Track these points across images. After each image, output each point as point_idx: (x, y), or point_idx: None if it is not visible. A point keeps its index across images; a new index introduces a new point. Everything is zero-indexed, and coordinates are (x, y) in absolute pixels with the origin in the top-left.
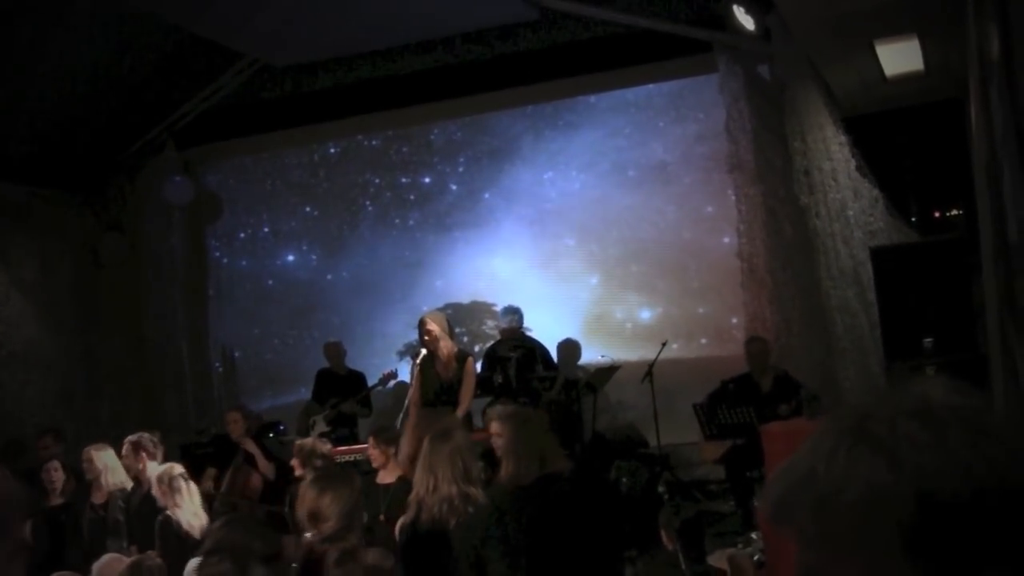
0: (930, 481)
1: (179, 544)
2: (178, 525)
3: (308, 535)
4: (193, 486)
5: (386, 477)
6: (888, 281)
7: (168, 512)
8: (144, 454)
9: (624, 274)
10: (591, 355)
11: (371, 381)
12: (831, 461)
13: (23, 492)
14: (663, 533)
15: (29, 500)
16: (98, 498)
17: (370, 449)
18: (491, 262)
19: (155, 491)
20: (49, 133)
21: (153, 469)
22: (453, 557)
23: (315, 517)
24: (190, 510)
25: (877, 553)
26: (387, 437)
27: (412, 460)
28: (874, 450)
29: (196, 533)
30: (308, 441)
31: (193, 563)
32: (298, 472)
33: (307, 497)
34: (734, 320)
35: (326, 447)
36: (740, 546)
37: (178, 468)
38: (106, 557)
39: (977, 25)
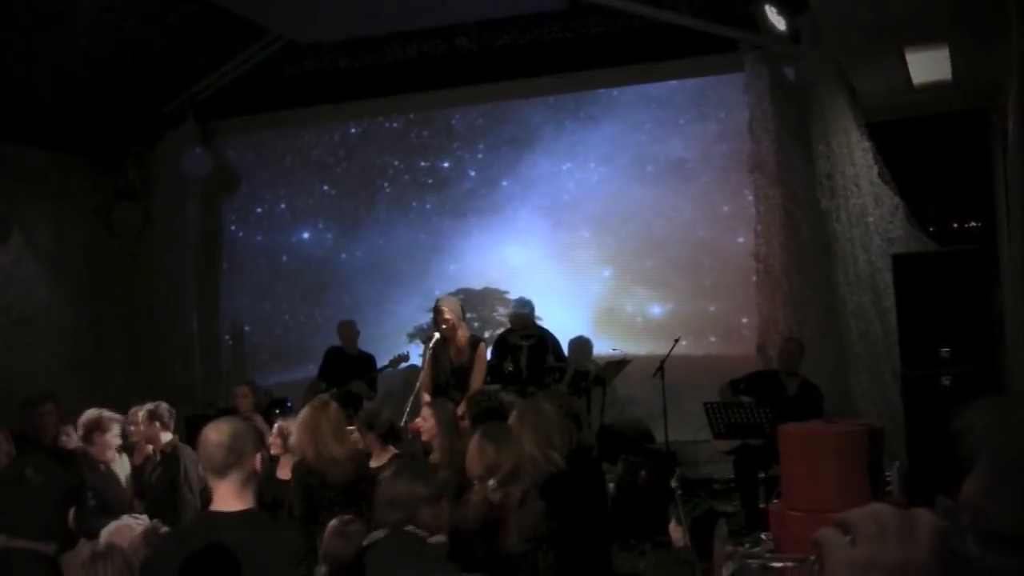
0: None
1: None
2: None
3: (490, 482)
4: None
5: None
6: (908, 289)
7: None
8: (159, 424)
9: (637, 268)
10: (601, 348)
11: (380, 363)
12: None
13: (253, 428)
14: (672, 527)
15: (261, 436)
16: (136, 460)
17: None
18: (505, 250)
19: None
20: (70, 99)
21: (166, 440)
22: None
23: (493, 468)
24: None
25: None
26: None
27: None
28: None
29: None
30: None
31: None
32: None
33: (486, 451)
34: (744, 320)
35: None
36: (747, 546)
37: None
38: (115, 523)
39: (1020, 35)
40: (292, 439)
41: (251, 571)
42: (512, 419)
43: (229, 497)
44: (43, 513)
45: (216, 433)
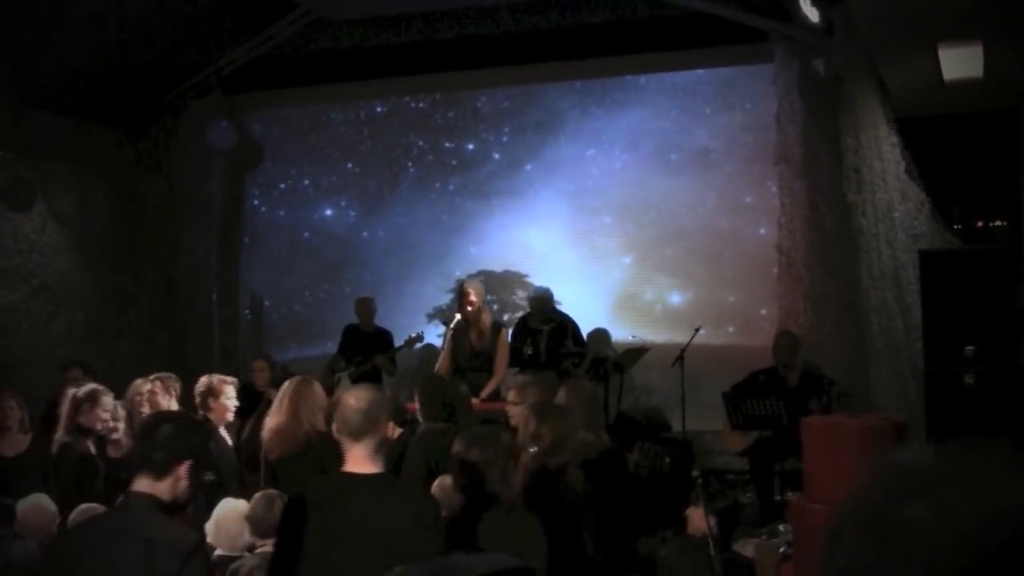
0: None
1: None
2: None
3: (531, 450)
4: None
5: None
6: (934, 286)
7: None
8: (173, 394)
9: (658, 256)
10: (620, 334)
11: (398, 340)
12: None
13: (389, 398)
14: (692, 514)
15: (394, 407)
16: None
17: None
18: (527, 233)
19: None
20: (96, 68)
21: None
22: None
23: (536, 437)
24: None
25: None
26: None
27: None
28: (890, 547)
29: None
30: None
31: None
32: None
33: (530, 422)
34: (763, 312)
35: None
36: (764, 536)
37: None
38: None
39: None
40: (272, 408)
41: (383, 531)
42: (562, 399)
43: (363, 460)
44: (161, 452)
45: (355, 399)
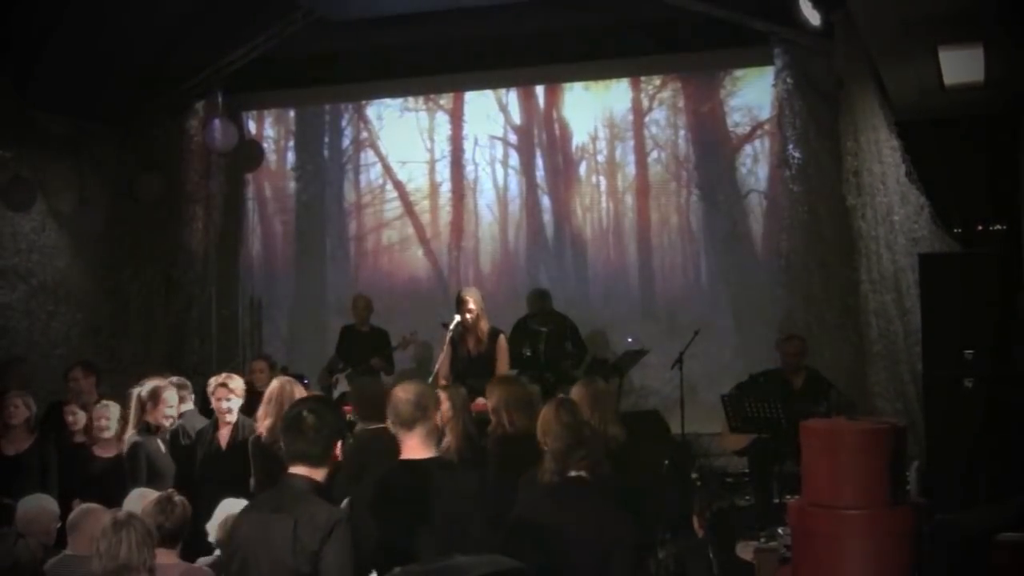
0: None
1: None
2: None
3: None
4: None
5: None
6: (934, 289)
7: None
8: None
9: (658, 259)
10: (619, 337)
11: (395, 341)
12: None
13: (430, 391)
14: (695, 519)
15: (437, 398)
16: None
17: None
18: None
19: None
20: (96, 67)
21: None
22: None
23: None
24: None
25: None
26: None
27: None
28: None
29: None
30: None
31: None
32: None
33: (546, 418)
34: (764, 314)
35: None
36: (763, 539)
37: None
38: (136, 491)
39: None
40: (260, 410)
41: (443, 508)
42: (591, 397)
43: (417, 447)
44: (315, 446)
45: (404, 392)
